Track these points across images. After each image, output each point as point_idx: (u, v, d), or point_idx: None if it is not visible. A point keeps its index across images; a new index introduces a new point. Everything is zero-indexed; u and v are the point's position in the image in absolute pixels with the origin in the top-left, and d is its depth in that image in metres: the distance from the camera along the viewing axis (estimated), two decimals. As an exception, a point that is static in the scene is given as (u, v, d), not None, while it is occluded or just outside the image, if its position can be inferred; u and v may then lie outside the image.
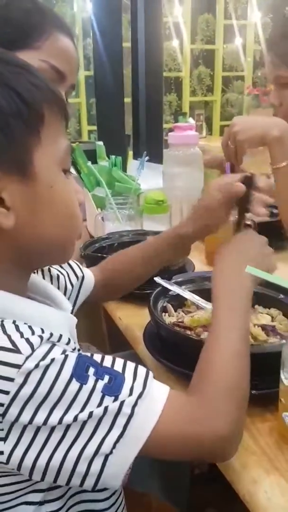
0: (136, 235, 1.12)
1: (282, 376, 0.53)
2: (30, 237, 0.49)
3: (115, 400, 0.43)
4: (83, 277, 0.75)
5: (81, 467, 0.42)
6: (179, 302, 0.82)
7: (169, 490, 0.99)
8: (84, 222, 1.37)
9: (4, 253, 0.49)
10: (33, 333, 0.44)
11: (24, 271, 0.54)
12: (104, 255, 1.00)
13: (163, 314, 0.78)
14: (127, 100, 1.94)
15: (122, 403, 0.43)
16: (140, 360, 0.76)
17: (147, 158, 1.24)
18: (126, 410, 0.43)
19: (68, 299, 0.70)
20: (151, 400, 0.45)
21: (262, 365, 0.59)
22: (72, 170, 1.34)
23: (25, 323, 0.45)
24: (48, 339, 0.45)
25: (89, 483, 0.43)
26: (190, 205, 1.23)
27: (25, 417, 0.41)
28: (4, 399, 0.41)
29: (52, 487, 0.51)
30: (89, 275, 0.77)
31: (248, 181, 0.71)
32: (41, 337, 0.44)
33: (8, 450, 0.42)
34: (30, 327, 0.45)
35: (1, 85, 0.45)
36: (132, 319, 0.87)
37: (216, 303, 0.58)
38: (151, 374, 0.47)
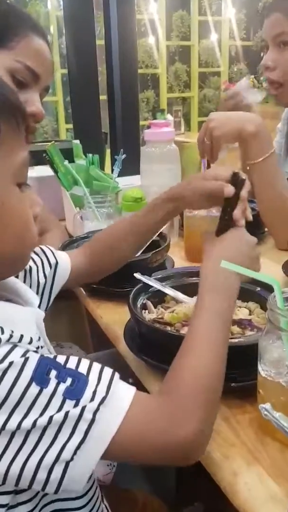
0: (115, 233, 1.12)
1: (259, 368, 0.54)
2: None
3: (76, 405, 0.42)
4: (56, 264, 0.74)
5: (41, 475, 0.42)
6: (159, 299, 0.82)
7: (156, 485, 1.00)
8: (63, 222, 1.37)
9: None
10: None
11: None
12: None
13: (143, 311, 0.78)
14: (103, 97, 1.93)
15: (83, 408, 0.42)
16: (122, 357, 0.76)
17: (124, 155, 1.24)
18: (88, 416, 0.42)
19: (43, 291, 0.70)
20: (113, 405, 0.44)
21: (240, 358, 0.60)
22: (49, 169, 1.34)
23: None
24: (8, 340, 0.43)
25: (50, 489, 0.43)
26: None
27: None
28: None
29: (19, 490, 0.50)
30: (64, 260, 0.77)
31: (240, 182, 0.68)
32: (2, 330, 0.43)
33: None
34: None
35: None
36: (113, 317, 0.87)
37: (200, 299, 0.57)
38: (116, 376, 0.46)
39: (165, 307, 0.80)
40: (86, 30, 1.74)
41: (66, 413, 0.42)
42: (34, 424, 0.41)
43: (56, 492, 0.43)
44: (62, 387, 0.43)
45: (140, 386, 0.69)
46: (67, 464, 0.42)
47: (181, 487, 1.07)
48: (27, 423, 0.41)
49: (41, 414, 0.41)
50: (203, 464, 0.54)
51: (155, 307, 0.80)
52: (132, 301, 0.76)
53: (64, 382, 0.43)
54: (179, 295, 0.82)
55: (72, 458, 0.42)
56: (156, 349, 0.68)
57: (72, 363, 0.45)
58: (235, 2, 5.14)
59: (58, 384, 0.43)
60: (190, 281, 0.85)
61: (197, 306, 0.57)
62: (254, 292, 0.77)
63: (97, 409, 0.43)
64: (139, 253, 1.01)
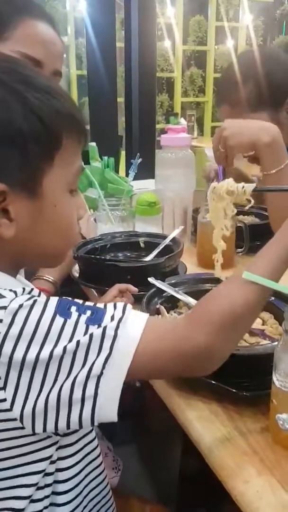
0: (128, 236, 1.12)
1: (274, 378, 0.54)
2: (26, 246, 0.54)
3: (99, 327, 0.47)
4: None
5: (77, 394, 0.45)
6: (172, 304, 0.83)
7: (159, 491, 1.00)
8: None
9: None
10: (15, 288, 0.49)
11: (15, 269, 0.58)
12: (97, 257, 1.00)
13: (157, 315, 0.79)
14: (120, 100, 1.94)
15: (105, 328, 0.47)
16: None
17: (140, 159, 1.24)
18: (110, 332, 0.47)
19: None
20: (132, 321, 0.48)
21: (254, 367, 0.61)
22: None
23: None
24: (29, 292, 0.50)
25: (86, 411, 0.46)
26: (182, 207, 1.24)
27: (19, 354, 0.45)
28: None
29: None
30: None
31: None
32: (23, 289, 0.50)
33: (10, 396, 0.45)
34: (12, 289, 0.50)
35: (26, 109, 0.48)
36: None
37: (268, 248, 0.56)
38: (130, 305, 0.50)
39: (178, 313, 0.81)
40: (106, 32, 1.75)
41: (91, 335, 0.46)
42: (64, 350, 0.45)
43: (92, 422, 0.46)
44: (84, 317, 0.47)
45: (150, 390, 0.69)
46: (98, 378, 0.46)
47: (184, 492, 1.07)
48: (58, 350, 0.45)
49: (70, 341, 0.46)
50: (214, 472, 0.54)
51: (168, 312, 0.81)
52: (145, 305, 0.76)
53: (85, 314, 0.48)
54: (192, 301, 0.82)
55: (101, 373, 0.45)
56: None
57: (89, 303, 0.50)
58: (253, 8, 5.14)
59: (79, 315, 0.47)
60: (203, 288, 0.85)
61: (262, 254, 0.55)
62: (268, 302, 0.77)
63: (117, 326, 0.47)
64: (152, 257, 1.02)
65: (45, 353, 0.45)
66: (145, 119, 1.95)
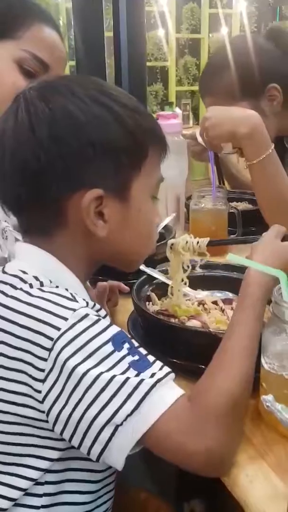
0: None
1: (262, 361, 0.54)
2: (111, 246, 0.60)
3: (137, 375, 0.48)
4: None
5: (92, 432, 0.47)
6: (164, 291, 0.82)
7: (157, 480, 1.00)
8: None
9: (87, 252, 0.59)
10: (88, 299, 0.54)
11: (88, 271, 0.63)
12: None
13: (148, 303, 0.78)
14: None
15: (142, 381, 0.48)
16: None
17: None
18: (144, 388, 0.47)
19: None
20: (165, 391, 0.49)
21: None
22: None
23: None
24: (97, 310, 0.54)
25: (96, 449, 0.47)
26: (174, 194, 1.23)
27: (65, 354, 0.48)
28: (55, 334, 0.49)
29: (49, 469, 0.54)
30: None
31: None
32: (94, 304, 0.54)
33: (45, 390, 0.48)
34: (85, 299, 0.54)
35: (120, 125, 0.55)
36: (117, 308, 0.87)
37: (241, 311, 0.57)
38: (173, 374, 0.51)
39: (169, 299, 0.80)
40: (94, 21, 1.73)
41: (127, 379, 0.48)
42: (98, 376, 0.47)
43: (97, 460, 0.48)
44: (130, 358, 0.49)
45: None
46: (116, 427, 0.47)
47: (182, 482, 1.07)
48: (94, 372, 0.47)
49: (107, 370, 0.48)
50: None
51: (159, 299, 0.80)
52: (135, 292, 0.76)
53: (133, 356, 0.50)
54: (184, 290, 0.81)
55: (122, 423, 0.46)
56: (159, 340, 0.68)
57: (142, 350, 0.52)
58: (246, -5, 5.08)
59: (127, 354, 0.50)
60: (195, 274, 0.85)
61: (235, 323, 0.56)
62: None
63: (153, 385, 0.48)
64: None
65: (82, 368, 0.47)
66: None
